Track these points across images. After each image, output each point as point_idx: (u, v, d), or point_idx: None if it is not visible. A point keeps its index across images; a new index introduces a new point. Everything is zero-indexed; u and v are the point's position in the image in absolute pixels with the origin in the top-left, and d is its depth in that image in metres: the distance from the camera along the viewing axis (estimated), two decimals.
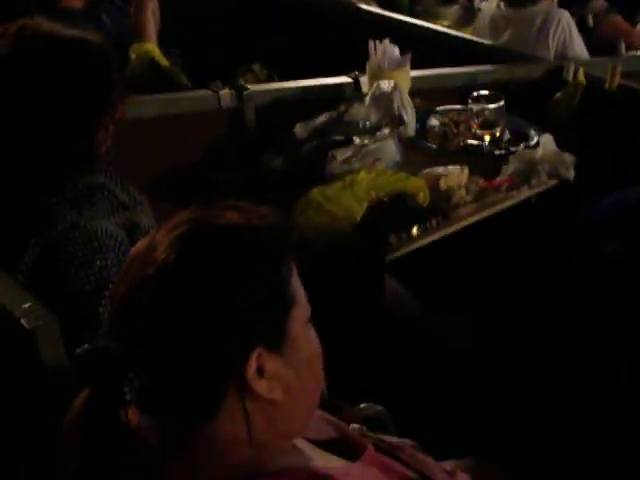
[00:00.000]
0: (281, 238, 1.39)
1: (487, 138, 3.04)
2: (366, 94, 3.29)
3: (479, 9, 4.99)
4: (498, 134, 3.03)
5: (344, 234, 2.78)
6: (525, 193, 2.96)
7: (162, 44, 4.08)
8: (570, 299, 2.94)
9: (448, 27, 4.96)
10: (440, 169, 2.95)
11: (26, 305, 1.72)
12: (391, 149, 2.95)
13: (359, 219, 2.78)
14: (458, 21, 5.19)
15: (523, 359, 2.83)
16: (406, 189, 2.88)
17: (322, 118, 3.13)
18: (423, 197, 2.86)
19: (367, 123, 3.04)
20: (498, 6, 4.32)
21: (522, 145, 3.08)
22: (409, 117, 3.08)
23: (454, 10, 5.23)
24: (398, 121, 3.04)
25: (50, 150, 2.12)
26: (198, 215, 1.39)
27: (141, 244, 1.39)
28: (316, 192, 2.83)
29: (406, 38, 4.10)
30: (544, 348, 2.87)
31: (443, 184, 2.91)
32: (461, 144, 3.13)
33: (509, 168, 3.00)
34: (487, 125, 3.03)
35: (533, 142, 3.11)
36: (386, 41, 3.23)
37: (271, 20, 4.72)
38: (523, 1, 4.22)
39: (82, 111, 2.13)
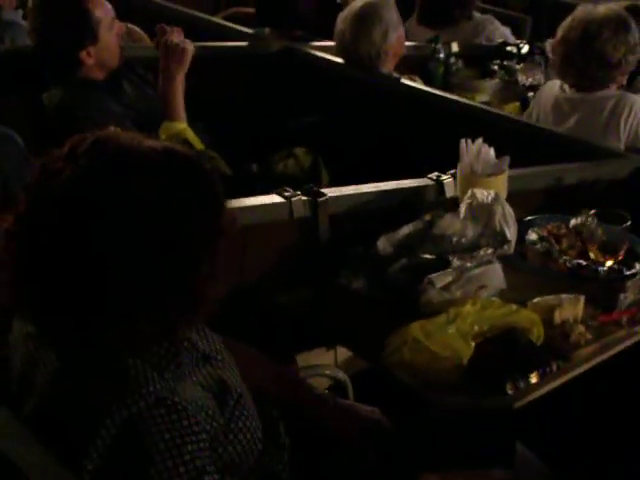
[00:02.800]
0: None
1: (608, 264, 2.61)
2: (450, 199, 2.88)
3: (524, 85, 4.61)
4: (620, 258, 2.61)
5: (448, 379, 2.34)
6: None
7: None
8: None
9: (487, 103, 4.59)
10: (551, 298, 2.53)
11: None
12: (498, 275, 2.53)
13: (466, 362, 2.34)
14: (496, 96, 4.79)
15: None
16: (516, 323, 2.45)
17: (406, 230, 2.70)
18: (537, 333, 2.44)
19: (462, 239, 2.61)
20: (562, 88, 3.91)
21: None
22: (512, 234, 2.65)
23: (492, 84, 4.85)
24: (500, 239, 2.61)
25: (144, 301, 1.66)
26: None
27: None
28: (416, 327, 2.40)
29: (459, 120, 3.72)
30: None
31: (558, 317, 2.50)
32: (567, 265, 2.70)
33: (629, 296, 2.58)
34: (608, 249, 2.59)
35: None
36: (479, 141, 2.81)
37: (301, 96, 4.29)
38: (593, 85, 3.81)
39: (183, 248, 1.67)
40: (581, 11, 3.82)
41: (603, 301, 2.60)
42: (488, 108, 3.92)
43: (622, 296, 2.59)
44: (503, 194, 2.76)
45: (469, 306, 2.45)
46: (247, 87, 4.32)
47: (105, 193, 1.60)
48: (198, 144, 3.53)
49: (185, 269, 1.66)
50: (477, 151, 2.78)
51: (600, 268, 2.62)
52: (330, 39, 4.57)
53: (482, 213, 2.66)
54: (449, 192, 2.89)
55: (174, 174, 1.66)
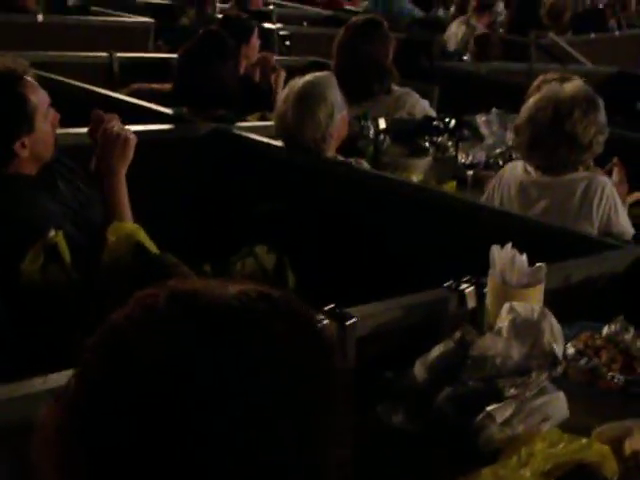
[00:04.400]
0: None
1: None
2: (472, 310, 2.59)
3: (464, 164, 4.38)
4: None
5: None
6: None
7: None
8: None
9: (422, 182, 4.36)
10: (617, 426, 2.26)
11: None
12: (562, 405, 2.25)
13: None
14: (431, 174, 4.55)
15: None
16: (586, 459, 2.16)
17: (437, 351, 2.39)
18: (611, 469, 2.15)
19: (508, 362, 2.31)
20: (526, 171, 3.69)
21: None
22: (561, 353, 2.37)
23: (425, 162, 4.60)
24: (551, 360, 2.32)
25: None
26: None
27: None
28: (487, 474, 2.07)
29: (429, 209, 3.46)
30: None
31: (628, 448, 2.22)
32: (617, 382, 2.43)
33: None
34: None
35: None
36: (508, 247, 2.53)
37: (240, 185, 3.95)
38: (562, 168, 3.60)
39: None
40: (549, 90, 3.63)
41: None
42: (465, 199, 3.65)
43: None
44: None
45: (540, 444, 2.15)
46: (175, 175, 3.95)
47: (221, 364, 1.23)
48: (152, 247, 3.14)
49: (318, 442, 1.30)
50: (510, 259, 2.49)
51: None
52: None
53: (528, 331, 2.37)
54: (470, 302, 2.58)
55: (283, 324, 1.30)
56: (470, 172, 4.38)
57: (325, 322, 2.25)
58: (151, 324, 1.24)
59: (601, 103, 3.61)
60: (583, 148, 3.58)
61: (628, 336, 2.59)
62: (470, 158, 4.37)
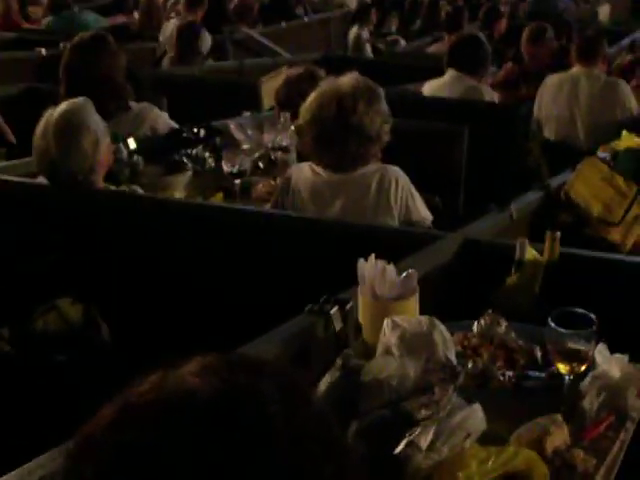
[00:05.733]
0: None
1: (564, 369, 2.27)
2: (341, 331, 2.40)
3: (231, 173, 4.19)
4: (584, 368, 2.27)
5: None
6: (631, 428, 2.23)
7: None
8: None
9: (187, 198, 4.14)
10: (531, 427, 2.16)
11: None
12: (480, 417, 2.10)
13: None
14: (194, 189, 4.32)
15: None
16: (517, 467, 2.05)
17: (325, 385, 2.20)
18: (541, 474, 2.05)
19: (406, 382, 2.15)
20: (315, 172, 3.53)
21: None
22: (456, 361, 2.23)
23: (185, 178, 4.35)
24: (450, 371, 2.17)
25: None
26: None
27: None
28: None
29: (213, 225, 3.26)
30: None
31: (549, 447, 2.13)
32: (507, 378, 2.33)
33: (587, 402, 2.26)
34: (573, 356, 2.25)
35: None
36: (372, 258, 2.35)
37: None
38: (352, 163, 3.47)
39: None
40: (327, 86, 3.48)
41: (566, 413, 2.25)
42: (278, 213, 3.44)
43: (582, 404, 2.27)
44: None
45: (475, 465, 2.00)
46: None
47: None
48: None
49: None
50: (380, 272, 2.31)
51: (567, 377, 2.26)
52: None
53: (420, 345, 2.21)
54: (337, 324, 2.40)
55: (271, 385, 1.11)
56: (237, 181, 4.18)
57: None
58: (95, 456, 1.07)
59: (381, 92, 3.51)
60: (372, 140, 3.47)
61: (500, 329, 2.49)
62: (236, 167, 4.16)
